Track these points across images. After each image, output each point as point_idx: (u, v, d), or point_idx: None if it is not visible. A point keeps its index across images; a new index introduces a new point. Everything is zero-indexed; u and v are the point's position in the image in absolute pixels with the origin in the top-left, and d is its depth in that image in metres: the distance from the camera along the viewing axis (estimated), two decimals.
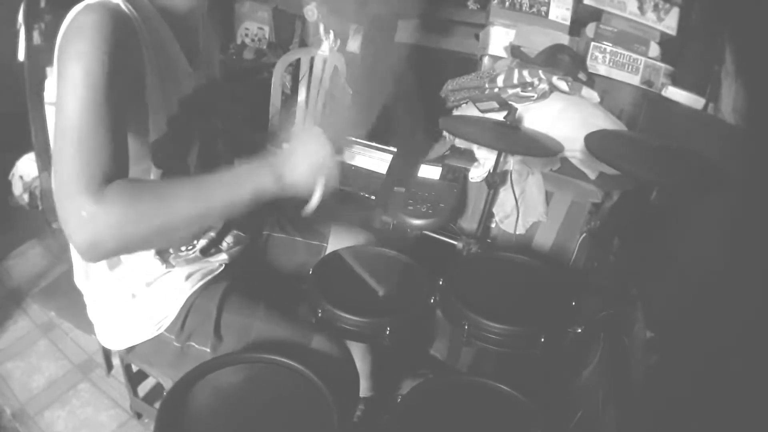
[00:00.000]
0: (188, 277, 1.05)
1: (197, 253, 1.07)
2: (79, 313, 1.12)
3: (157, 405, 1.37)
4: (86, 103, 0.72)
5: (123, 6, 0.79)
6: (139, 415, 1.56)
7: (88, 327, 1.13)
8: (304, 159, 0.84)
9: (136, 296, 1.03)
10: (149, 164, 0.93)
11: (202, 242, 1.08)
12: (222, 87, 1.14)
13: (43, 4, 1.96)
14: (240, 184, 0.79)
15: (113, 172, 0.73)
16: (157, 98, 0.89)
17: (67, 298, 1.45)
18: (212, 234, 1.11)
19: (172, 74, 0.93)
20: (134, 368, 1.39)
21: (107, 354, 1.63)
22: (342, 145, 0.91)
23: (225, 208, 0.80)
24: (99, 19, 0.75)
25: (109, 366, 1.66)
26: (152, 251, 1.01)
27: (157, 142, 0.92)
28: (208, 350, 1.02)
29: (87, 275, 1.06)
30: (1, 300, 2.00)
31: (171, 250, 1.04)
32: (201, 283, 1.07)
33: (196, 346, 1.03)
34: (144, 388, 1.53)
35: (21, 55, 1.96)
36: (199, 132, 1.05)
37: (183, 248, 1.05)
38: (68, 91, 0.72)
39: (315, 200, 0.88)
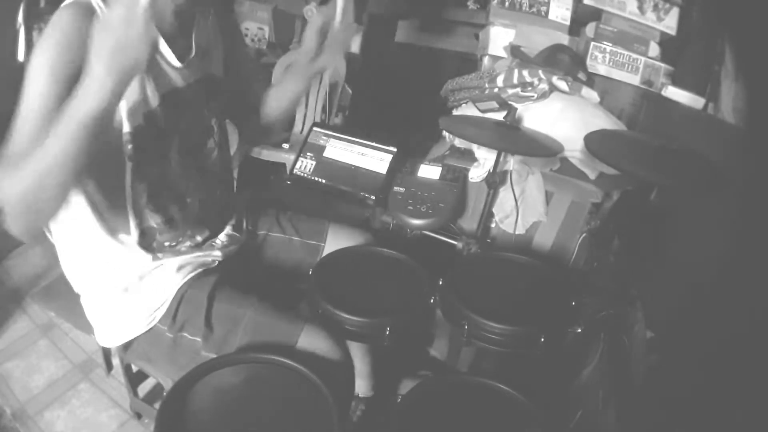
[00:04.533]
0: (180, 268, 1.06)
1: (186, 248, 1.08)
2: (79, 313, 1.12)
3: (157, 405, 1.37)
4: (30, 96, 0.80)
5: (94, 4, 0.85)
6: (139, 415, 1.56)
7: (87, 327, 1.13)
8: (107, 47, 0.70)
9: (129, 290, 1.03)
10: (123, 156, 0.95)
11: (197, 239, 1.09)
12: (220, 83, 1.14)
13: (43, 4, 1.96)
14: (71, 115, 0.73)
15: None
16: (131, 91, 0.90)
17: (66, 298, 1.44)
18: (207, 232, 1.12)
19: (153, 68, 0.95)
20: (134, 368, 1.39)
21: (107, 354, 1.62)
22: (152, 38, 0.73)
23: (74, 139, 0.73)
24: (63, 17, 0.82)
25: (109, 366, 1.66)
26: (135, 243, 1.02)
27: (130, 135, 0.94)
28: (200, 340, 1.02)
29: (75, 272, 1.08)
30: (1, 300, 2.00)
31: (155, 244, 1.05)
32: (192, 274, 1.07)
33: (188, 336, 1.03)
34: (144, 388, 1.52)
35: (21, 55, 1.96)
36: (183, 127, 1.05)
37: (167, 243, 1.06)
38: (25, 85, 0.81)
39: None
